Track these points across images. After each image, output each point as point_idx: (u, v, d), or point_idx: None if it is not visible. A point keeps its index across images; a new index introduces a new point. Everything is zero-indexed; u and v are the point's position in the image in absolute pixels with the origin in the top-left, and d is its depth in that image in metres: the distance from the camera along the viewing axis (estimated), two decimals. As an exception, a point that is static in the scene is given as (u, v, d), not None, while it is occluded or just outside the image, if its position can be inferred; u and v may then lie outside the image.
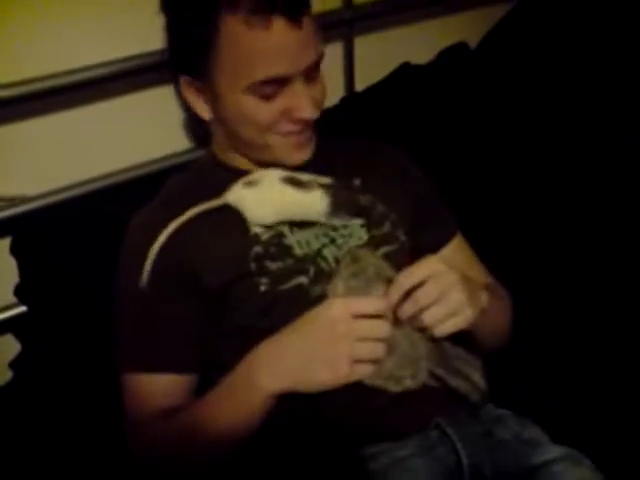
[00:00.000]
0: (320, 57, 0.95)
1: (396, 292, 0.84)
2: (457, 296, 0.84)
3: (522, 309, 1.10)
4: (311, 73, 0.93)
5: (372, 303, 0.86)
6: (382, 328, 0.85)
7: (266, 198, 0.96)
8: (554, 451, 0.88)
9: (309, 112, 0.93)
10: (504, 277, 1.12)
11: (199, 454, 0.90)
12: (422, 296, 0.83)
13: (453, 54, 1.49)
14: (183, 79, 0.98)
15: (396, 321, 0.86)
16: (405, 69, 1.44)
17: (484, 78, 1.47)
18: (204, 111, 0.99)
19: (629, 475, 0.88)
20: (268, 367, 0.86)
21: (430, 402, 0.89)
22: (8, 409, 1.06)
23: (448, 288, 0.84)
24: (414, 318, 0.84)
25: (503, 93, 1.46)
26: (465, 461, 0.85)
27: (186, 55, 0.96)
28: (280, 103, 0.93)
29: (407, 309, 0.84)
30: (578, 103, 1.44)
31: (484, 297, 0.90)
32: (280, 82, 0.91)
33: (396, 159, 1.12)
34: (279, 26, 0.87)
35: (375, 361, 0.85)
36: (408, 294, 0.84)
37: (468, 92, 1.45)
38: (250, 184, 0.96)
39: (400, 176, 1.10)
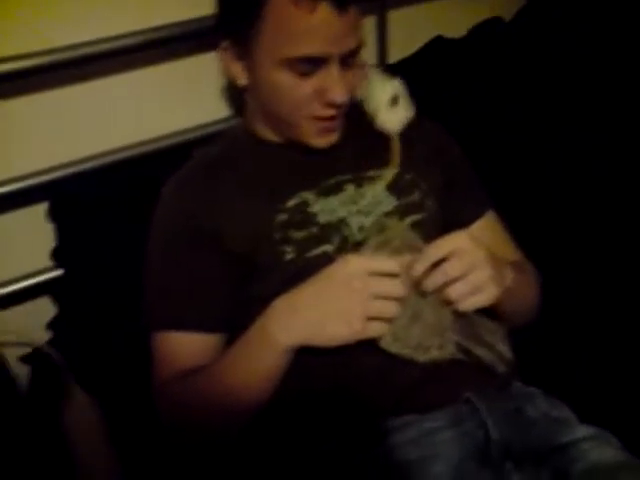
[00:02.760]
0: (360, 45, 0.94)
1: (423, 263, 0.85)
2: (482, 273, 0.85)
3: (552, 287, 1.10)
4: (348, 59, 0.93)
5: (388, 262, 0.87)
6: (397, 287, 0.86)
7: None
8: (582, 431, 0.89)
9: (341, 95, 0.93)
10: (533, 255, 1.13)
11: (218, 414, 0.91)
12: (449, 269, 0.84)
13: (487, 29, 1.47)
14: (224, 43, 0.97)
15: (421, 292, 0.87)
16: (438, 43, 1.43)
17: (518, 53, 1.46)
18: (240, 77, 0.99)
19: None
20: (283, 321, 0.87)
21: (460, 377, 0.90)
22: (47, 369, 1.09)
23: (474, 264, 0.85)
24: (439, 291, 0.86)
25: (536, 69, 1.45)
26: (494, 437, 0.85)
27: (233, 19, 0.96)
28: (314, 82, 0.93)
29: (434, 280, 0.85)
30: (614, 75, 1.43)
31: (510, 275, 0.91)
32: (316, 62, 0.91)
33: (432, 132, 1.13)
34: (325, 10, 0.88)
35: (388, 320, 0.86)
36: (434, 267, 0.85)
37: (501, 67, 1.44)
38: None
39: (434, 149, 1.10)
